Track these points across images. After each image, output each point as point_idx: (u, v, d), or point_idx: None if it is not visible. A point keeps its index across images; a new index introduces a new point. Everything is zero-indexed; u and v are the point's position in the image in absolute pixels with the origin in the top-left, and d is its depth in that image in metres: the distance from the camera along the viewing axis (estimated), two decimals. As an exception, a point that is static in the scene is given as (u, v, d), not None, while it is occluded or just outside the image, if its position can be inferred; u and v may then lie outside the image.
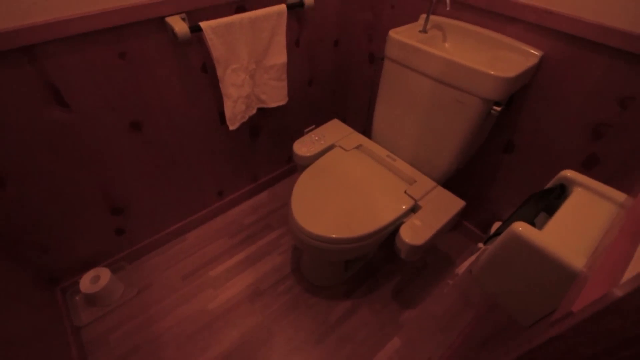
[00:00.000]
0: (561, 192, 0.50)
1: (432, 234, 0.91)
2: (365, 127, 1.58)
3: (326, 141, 1.16)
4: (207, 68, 1.02)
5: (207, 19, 0.89)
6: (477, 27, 0.95)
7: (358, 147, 1.16)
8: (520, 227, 0.41)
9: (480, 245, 1.25)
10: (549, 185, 0.52)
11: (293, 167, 1.62)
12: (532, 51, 0.87)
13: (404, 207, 0.97)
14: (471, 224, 1.36)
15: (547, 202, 0.49)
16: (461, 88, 0.86)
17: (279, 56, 1.07)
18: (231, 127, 1.09)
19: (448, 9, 0.91)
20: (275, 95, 1.16)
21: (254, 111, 1.16)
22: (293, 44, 1.17)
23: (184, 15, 0.87)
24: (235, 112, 1.08)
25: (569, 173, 0.50)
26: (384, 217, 0.93)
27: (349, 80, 1.50)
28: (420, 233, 0.91)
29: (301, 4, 1.02)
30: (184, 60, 0.95)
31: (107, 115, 0.90)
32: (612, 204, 0.46)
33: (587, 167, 0.92)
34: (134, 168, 1.05)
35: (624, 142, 0.83)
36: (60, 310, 1.07)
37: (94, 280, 1.10)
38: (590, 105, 0.85)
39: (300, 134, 1.50)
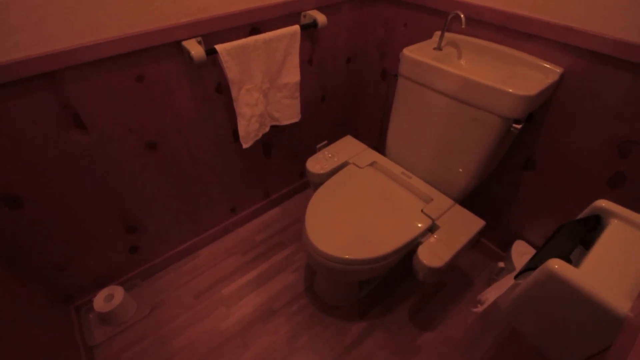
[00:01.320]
0: (596, 224, 0.47)
1: (452, 255, 0.88)
2: (378, 143, 1.56)
3: (339, 158, 1.15)
4: (222, 88, 1.02)
5: (223, 41, 0.90)
6: (493, 44, 0.93)
7: (372, 164, 1.15)
8: (557, 265, 0.39)
9: (501, 264, 1.20)
10: (582, 215, 0.49)
11: (305, 182, 1.61)
12: (552, 68, 0.85)
13: (420, 225, 0.94)
14: (490, 241, 1.32)
15: (582, 235, 0.46)
16: (479, 106, 0.84)
17: (293, 75, 1.07)
18: (245, 146, 1.09)
19: (463, 26, 0.90)
20: (289, 113, 1.16)
21: (267, 129, 1.16)
22: (306, 62, 1.17)
23: (199, 38, 0.88)
24: (249, 131, 1.08)
25: (603, 203, 0.47)
26: (401, 237, 0.91)
27: (362, 97, 1.49)
28: (439, 254, 0.88)
29: (314, 24, 1.02)
30: (199, 82, 0.96)
31: (124, 136, 0.91)
32: (653, 237, 0.43)
33: (613, 185, 0.88)
34: (149, 186, 1.06)
35: (653, 161, 0.80)
36: (74, 329, 1.07)
37: (108, 298, 1.10)
38: (615, 122, 0.82)
39: (312, 149, 1.49)
